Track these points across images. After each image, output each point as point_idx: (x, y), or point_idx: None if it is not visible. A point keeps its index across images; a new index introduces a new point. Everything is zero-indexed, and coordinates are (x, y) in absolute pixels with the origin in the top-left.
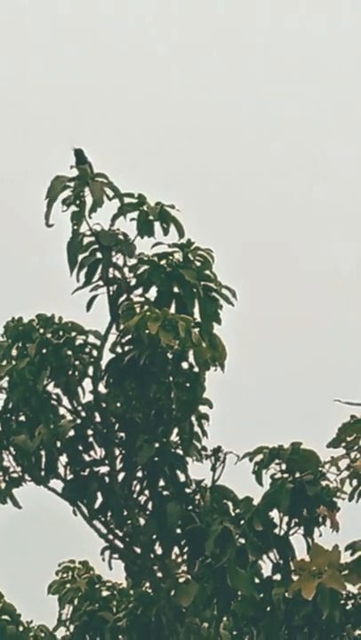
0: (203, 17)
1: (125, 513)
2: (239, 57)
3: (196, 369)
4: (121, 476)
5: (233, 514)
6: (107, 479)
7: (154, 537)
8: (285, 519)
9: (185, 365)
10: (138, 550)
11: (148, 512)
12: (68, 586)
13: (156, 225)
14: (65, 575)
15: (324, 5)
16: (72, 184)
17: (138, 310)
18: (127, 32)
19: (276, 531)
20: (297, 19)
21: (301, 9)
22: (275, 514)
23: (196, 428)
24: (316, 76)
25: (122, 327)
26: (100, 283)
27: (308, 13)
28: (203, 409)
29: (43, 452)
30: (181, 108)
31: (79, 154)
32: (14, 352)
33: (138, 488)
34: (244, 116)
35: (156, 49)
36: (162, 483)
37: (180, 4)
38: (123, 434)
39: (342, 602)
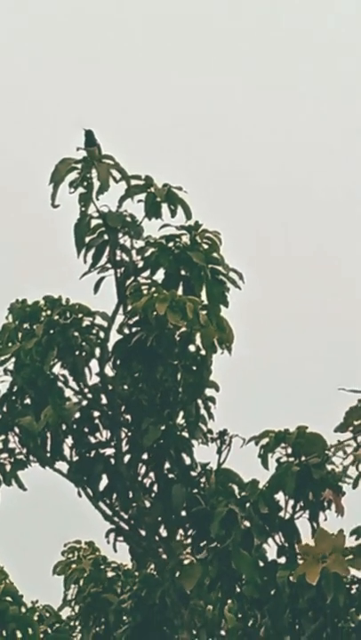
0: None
1: (131, 495)
2: (260, 39)
3: (203, 352)
4: (126, 458)
5: (238, 497)
6: (112, 461)
7: (159, 519)
8: (291, 502)
9: (192, 348)
10: (143, 532)
11: (153, 494)
12: (73, 566)
13: (164, 207)
14: (70, 556)
15: None
16: (79, 166)
17: (145, 292)
18: (137, 12)
19: (282, 514)
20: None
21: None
22: (280, 497)
23: (203, 411)
24: (348, 60)
25: (129, 308)
26: (108, 265)
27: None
28: (209, 392)
29: (48, 434)
30: (192, 89)
31: (89, 135)
32: (19, 334)
33: (143, 470)
34: (259, 98)
35: (170, 26)
36: (167, 465)
37: None
38: (129, 416)
39: (347, 586)
